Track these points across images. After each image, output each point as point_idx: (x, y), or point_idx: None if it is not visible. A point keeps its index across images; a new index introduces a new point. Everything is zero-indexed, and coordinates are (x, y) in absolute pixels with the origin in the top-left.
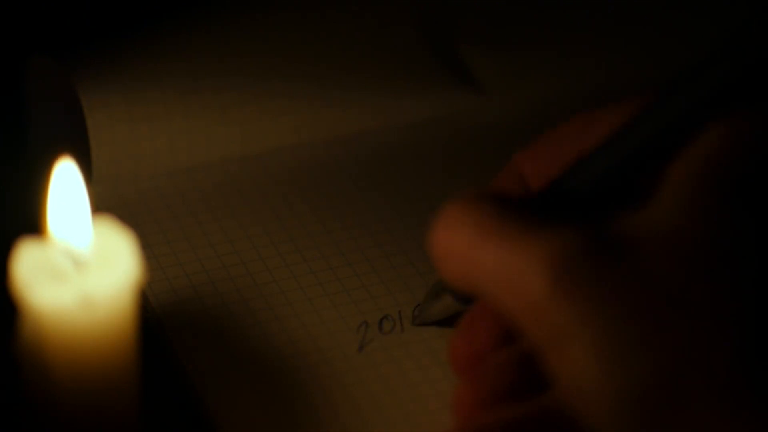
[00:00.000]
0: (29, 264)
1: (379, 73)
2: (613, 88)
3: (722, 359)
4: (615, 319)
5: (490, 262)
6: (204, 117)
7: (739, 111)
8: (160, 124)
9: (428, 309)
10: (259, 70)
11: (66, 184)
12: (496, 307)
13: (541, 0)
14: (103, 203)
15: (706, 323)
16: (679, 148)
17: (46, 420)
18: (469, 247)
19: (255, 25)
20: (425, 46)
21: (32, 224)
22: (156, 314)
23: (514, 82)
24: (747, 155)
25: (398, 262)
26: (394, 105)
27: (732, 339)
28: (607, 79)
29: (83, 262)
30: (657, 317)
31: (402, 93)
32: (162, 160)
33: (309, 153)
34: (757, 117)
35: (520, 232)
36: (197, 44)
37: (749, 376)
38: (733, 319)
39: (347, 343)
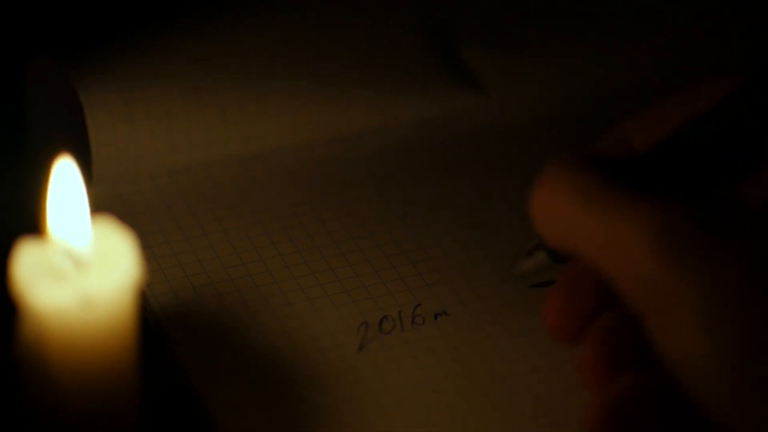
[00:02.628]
0: (29, 264)
1: (380, 72)
2: (613, 88)
3: None
4: (722, 285)
5: (595, 228)
6: (204, 117)
7: None
8: (160, 124)
9: (519, 265)
10: (258, 70)
11: (65, 184)
12: (598, 272)
13: (541, 0)
14: (103, 203)
15: None
16: None
17: (47, 420)
18: (572, 212)
19: (255, 25)
20: (425, 45)
21: (32, 224)
22: (156, 314)
23: (514, 82)
24: None
25: (398, 262)
26: (395, 104)
27: None
28: (606, 79)
29: (83, 262)
30: (764, 284)
31: (402, 93)
32: (162, 160)
33: (309, 153)
34: None
35: (625, 199)
36: (197, 44)
37: None
38: None
39: (347, 343)
